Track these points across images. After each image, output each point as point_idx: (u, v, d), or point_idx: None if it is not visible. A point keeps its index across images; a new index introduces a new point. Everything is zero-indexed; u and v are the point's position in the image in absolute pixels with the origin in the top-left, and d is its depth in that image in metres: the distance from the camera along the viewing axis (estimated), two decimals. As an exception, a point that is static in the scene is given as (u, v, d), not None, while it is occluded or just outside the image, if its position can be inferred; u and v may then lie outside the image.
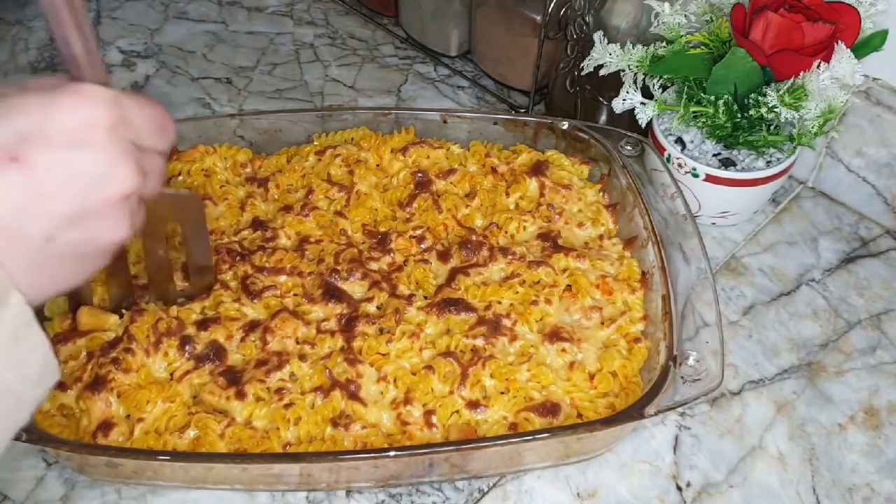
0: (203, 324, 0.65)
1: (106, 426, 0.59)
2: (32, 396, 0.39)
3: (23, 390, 0.38)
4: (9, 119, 0.37)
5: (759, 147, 0.74)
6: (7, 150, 0.36)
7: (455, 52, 0.98)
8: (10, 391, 0.38)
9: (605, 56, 0.74)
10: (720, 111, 0.72)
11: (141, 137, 0.41)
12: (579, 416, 0.61)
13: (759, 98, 0.70)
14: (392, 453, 0.57)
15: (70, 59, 0.42)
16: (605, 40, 0.74)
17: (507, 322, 0.65)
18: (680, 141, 0.77)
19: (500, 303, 0.67)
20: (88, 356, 0.62)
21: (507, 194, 0.75)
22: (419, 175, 0.76)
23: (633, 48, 0.74)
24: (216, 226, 0.72)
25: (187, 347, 0.63)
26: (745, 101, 0.71)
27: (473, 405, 0.61)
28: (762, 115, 0.70)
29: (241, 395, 0.61)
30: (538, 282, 0.68)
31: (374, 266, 0.69)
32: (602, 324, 0.66)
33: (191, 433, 0.59)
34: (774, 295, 0.76)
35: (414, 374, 0.62)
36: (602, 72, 0.75)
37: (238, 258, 0.69)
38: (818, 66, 0.67)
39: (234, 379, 0.62)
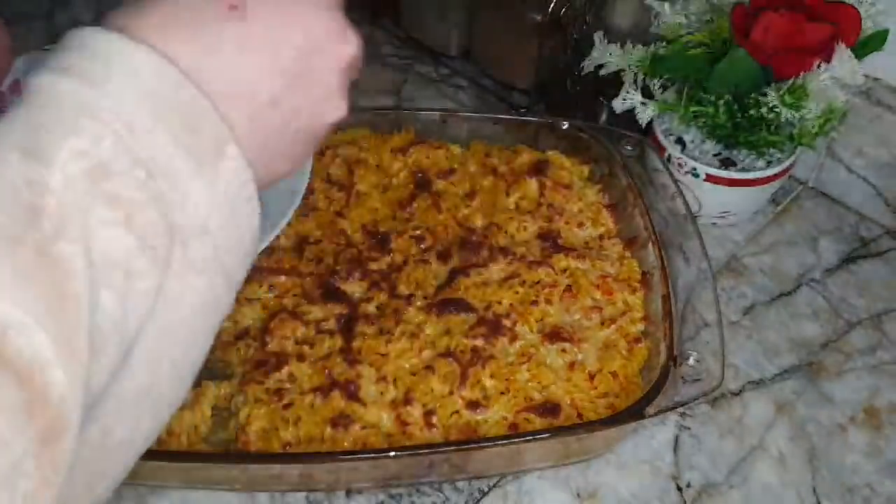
0: None
1: None
2: (240, 278, 0.35)
3: (234, 268, 0.34)
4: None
5: (759, 147, 0.74)
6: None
7: (455, 52, 0.97)
8: (224, 271, 0.33)
9: (605, 56, 0.74)
10: (720, 111, 0.72)
11: None
12: (579, 416, 0.61)
13: (760, 98, 0.70)
14: (392, 453, 0.57)
15: None
16: (605, 40, 0.74)
17: (507, 322, 0.65)
18: (680, 141, 0.77)
19: (500, 303, 0.67)
20: None
21: (507, 194, 0.75)
22: (419, 175, 0.76)
23: (633, 48, 0.74)
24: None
25: None
26: (746, 101, 0.71)
27: (473, 405, 0.61)
28: (762, 115, 0.70)
29: None
30: (538, 282, 0.68)
31: (373, 266, 0.69)
32: (602, 324, 0.66)
33: None
34: (775, 295, 0.76)
35: (414, 374, 0.62)
36: (602, 72, 0.75)
37: (238, 258, 0.69)
38: (818, 66, 0.67)
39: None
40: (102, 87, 0.30)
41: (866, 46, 0.70)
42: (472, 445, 0.58)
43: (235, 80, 0.33)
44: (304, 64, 0.35)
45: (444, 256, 0.70)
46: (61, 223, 0.28)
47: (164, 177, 0.30)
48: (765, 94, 0.69)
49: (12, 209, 0.27)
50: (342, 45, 0.36)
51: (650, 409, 0.57)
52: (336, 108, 0.37)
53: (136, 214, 0.30)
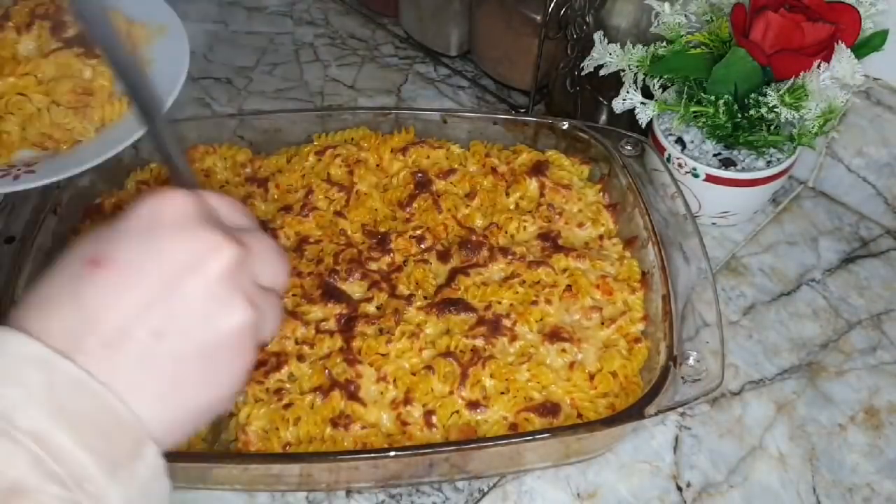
0: None
1: None
2: None
3: None
4: (88, 239, 0.36)
5: (759, 147, 0.74)
6: (86, 259, 0.35)
7: (455, 52, 0.97)
8: None
9: (605, 56, 0.74)
10: (720, 111, 0.72)
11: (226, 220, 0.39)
12: (579, 416, 0.61)
13: (760, 98, 0.70)
14: (392, 453, 0.57)
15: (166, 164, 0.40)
16: (605, 40, 0.74)
17: (507, 322, 0.65)
18: (680, 141, 0.77)
19: (500, 303, 0.67)
20: None
21: (507, 194, 0.75)
22: (419, 175, 0.76)
23: (633, 48, 0.74)
24: (216, 226, 0.72)
25: (60, 31, 0.66)
26: (746, 101, 0.71)
27: (473, 405, 0.61)
28: (762, 115, 0.70)
29: None
30: (538, 282, 0.68)
31: (373, 266, 0.69)
32: (602, 324, 0.66)
33: None
34: (775, 295, 0.76)
35: (414, 374, 0.62)
36: (602, 72, 0.75)
37: (238, 258, 0.69)
38: (818, 66, 0.67)
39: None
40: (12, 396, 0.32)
41: (866, 46, 0.70)
42: (472, 445, 0.58)
43: (108, 332, 0.34)
44: (176, 287, 0.35)
45: (444, 256, 0.70)
46: None
47: (79, 486, 0.32)
48: (765, 94, 0.69)
49: None
50: (212, 257, 0.36)
51: (650, 409, 0.57)
52: (230, 314, 0.36)
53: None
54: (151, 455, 0.34)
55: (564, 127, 0.77)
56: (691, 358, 0.60)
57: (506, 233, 0.72)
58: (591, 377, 0.63)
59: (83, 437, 0.32)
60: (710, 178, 0.74)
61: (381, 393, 0.61)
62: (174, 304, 0.35)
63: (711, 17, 0.74)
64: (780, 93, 0.69)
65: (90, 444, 0.32)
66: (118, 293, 0.34)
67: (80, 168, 0.64)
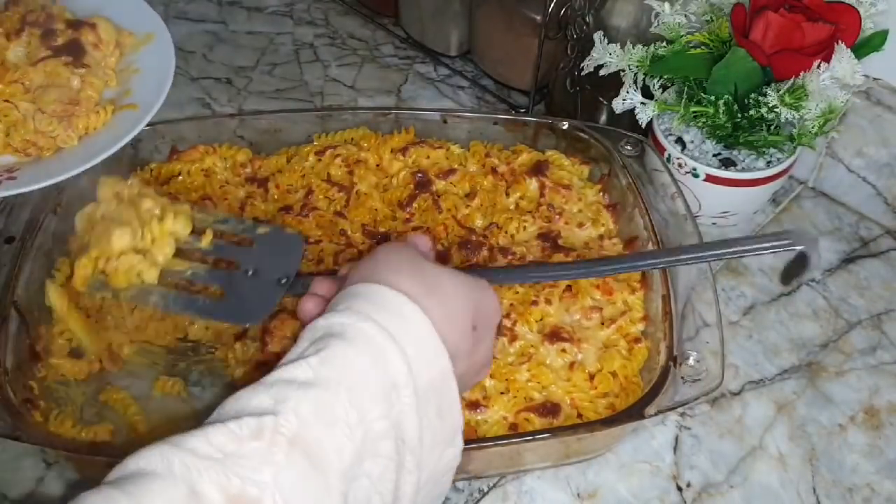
0: None
1: None
2: None
3: None
4: (468, 294, 0.47)
5: (759, 147, 0.74)
6: (471, 323, 0.47)
7: (455, 52, 0.98)
8: None
9: (605, 56, 0.74)
10: (720, 111, 0.72)
11: None
12: (579, 416, 0.61)
13: (759, 98, 0.70)
14: (392, 453, 0.57)
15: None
16: (605, 40, 0.74)
17: (506, 322, 0.65)
18: (680, 141, 0.77)
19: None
20: None
21: (507, 194, 0.75)
22: (419, 175, 0.76)
23: (633, 48, 0.74)
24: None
25: (50, 40, 0.67)
26: (746, 101, 0.71)
27: (473, 405, 0.61)
28: (762, 115, 0.70)
29: None
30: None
31: (373, 266, 0.69)
32: (602, 324, 0.66)
33: None
34: (774, 295, 0.76)
35: (414, 374, 0.62)
36: (602, 72, 0.75)
37: (238, 258, 0.69)
38: (818, 66, 0.67)
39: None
40: (406, 365, 0.42)
41: (866, 46, 0.70)
42: (472, 445, 0.58)
43: (470, 364, 0.47)
44: (480, 368, 0.50)
45: (443, 256, 0.70)
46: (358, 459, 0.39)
47: (412, 452, 0.41)
48: (765, 94, 0.69)
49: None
50: (486, 371, 0.52)
51: (650, 409, 0.57)
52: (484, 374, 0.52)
53: (384, 475, 0.40)
54: (459, 444, 0.45)
55: (564, 127, 0.77)
56: (691, 358, 0.60)
57: (506, 233, 0.72)
58: (591, 377, 0.63)
59: (427, 411, 0.42)
60: (710, 178, 0.74)
61: (381, 393, 0.61)
62: (477, 377, 0.51)
63: (711, 17, 0.74)
64: (780, 93, 0.69)
65: (431, 418, 0.42)
66: (469, 352, 0.47)
67: (63, 176, 0.65)
